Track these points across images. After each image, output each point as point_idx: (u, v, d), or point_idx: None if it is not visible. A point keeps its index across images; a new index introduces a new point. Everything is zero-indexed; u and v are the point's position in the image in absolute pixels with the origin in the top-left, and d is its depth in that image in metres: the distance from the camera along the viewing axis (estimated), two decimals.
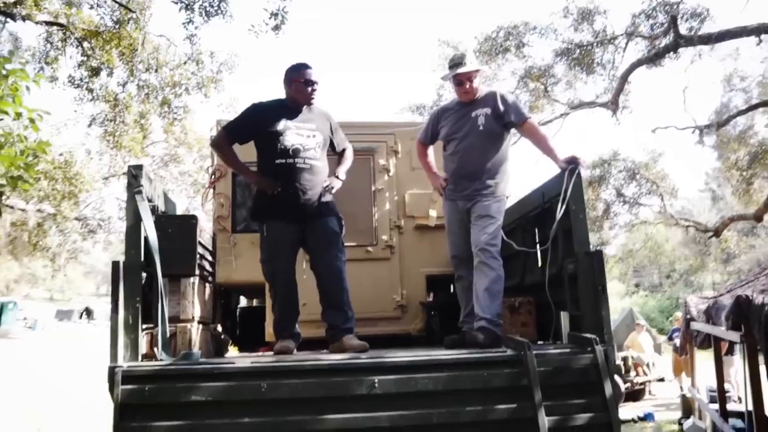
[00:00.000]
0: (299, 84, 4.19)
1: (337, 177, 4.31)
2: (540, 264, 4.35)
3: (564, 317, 3.84)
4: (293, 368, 3.22)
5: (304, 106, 4.24)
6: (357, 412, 3.13)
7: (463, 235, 4.14)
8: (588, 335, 3.39)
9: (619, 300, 38.62)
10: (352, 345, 3.93)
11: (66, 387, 13.95)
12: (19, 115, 4.10)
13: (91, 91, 9.89)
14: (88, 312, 42.70)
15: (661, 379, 17.31)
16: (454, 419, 3.18)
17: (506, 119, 4.11)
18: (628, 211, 16.18)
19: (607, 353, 3.36)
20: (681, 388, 11.97)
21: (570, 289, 3.80)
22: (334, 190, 4.25)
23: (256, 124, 4.16)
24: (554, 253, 3.97)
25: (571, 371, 3.33)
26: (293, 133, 4.13)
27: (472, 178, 4.11)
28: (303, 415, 3.11)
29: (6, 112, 4.04)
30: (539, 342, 4.26)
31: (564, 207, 3.72)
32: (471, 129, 4.13)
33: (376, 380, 3.16)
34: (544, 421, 3.11)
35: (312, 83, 4.19)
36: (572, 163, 3.79)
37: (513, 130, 4.29)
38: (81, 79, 9.77)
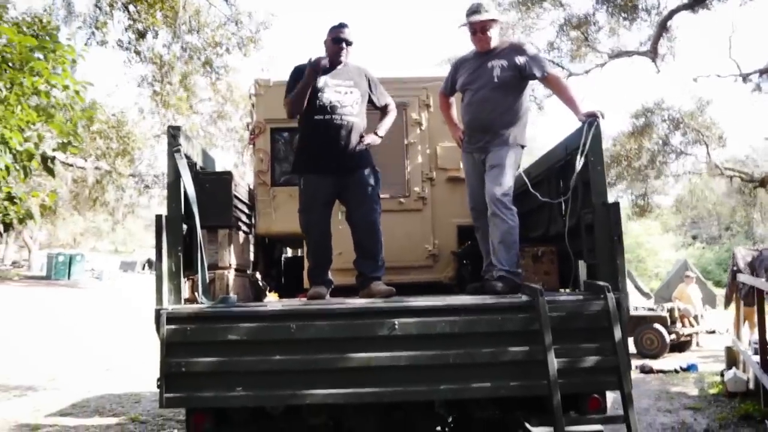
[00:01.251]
0: (329, 42, 4.37)
1: (376, 133, 4.48)
2: (563, 215, 4.46)
3: (581, 266, 3.96)
4: (320, 311, 3.48)
5: (344, 64, 4.40)
6: (378, 351, 3.38)
7: (479, 187, 4.26)
8: (601, 283, 3.52)
9: (674, 252, 37.88)
10: (380, 290, 4.17)
11: (130, 330, 14.83)
12: (66, 87, 4.41)
13: (138, 53, 10.26)
14: (150, 263, 44.59)
15: (712, 332, 17.15)
16: (470, 360, 3.39)
17: (527, 72, 4.17)
18: (675, 160, 15.75)
19: (620, 300, 3.50)
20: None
21: (587, 239, 3.92)
22: (369, 145, 4.41)
23: (298, 80, 4.32)
24: (574, 204, 4.07)
25: (582, 317, 3.48)
26: (331, 90, 4.30)
27: (485, 130, 4.21)
28: (329, 354, 3.38)
29: (54, 85, 4.35)
30: (561, 290, 4.40)
31: (583, 159, 3.81)
32: (486, 80, 4.20)
33: (397, 323, 3.40)
34: (554, 363, 3.29)
35: (340, 41, 4.33)
36: (591, 117, 3.85)
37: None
38: (129, 42, 10.14)
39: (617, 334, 3.38)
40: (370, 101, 4.54)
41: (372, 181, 4.41)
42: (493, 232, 4.06)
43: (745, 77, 12.99)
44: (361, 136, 4.39)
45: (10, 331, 16.63)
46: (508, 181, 4.12)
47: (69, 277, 35.47)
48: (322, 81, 4.30)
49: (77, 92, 4.49)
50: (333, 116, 4.28)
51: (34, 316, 19.98)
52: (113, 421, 8.37)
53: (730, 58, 18.78)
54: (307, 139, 4.36)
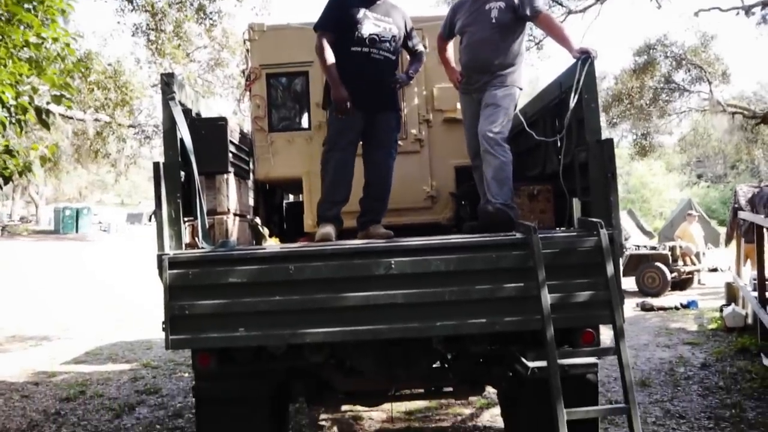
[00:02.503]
0: None
1: (408, 75, 4.49)
2: (558, 154, 4.47)
3: (576, 204, 4.00)
4: (317, 252, 3.55)
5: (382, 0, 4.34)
6: (375, 290, 3.46)
7: (476, 126, 4.29)
8: (594, 219, 3.56)
9: (678, 191, 37.87)
10: (378, 233, 4.24)
11: (140, 280, 15.07)
12: (56, 39, 4.38)
13: (131, 1, 10.07)
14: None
15: (714, 269, 17.33)
16: (465, 297, 3.47)
17: (521, 12, 4.14)
18: (678, 98, 15.52)
19: (613, 236, 3.55)
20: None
21: (581, 176, 3.95)
22: (401, 86, 4.44)
23: (339, 11, 4.29)
24: (569, 142, 4.08)
25: (576, 253, 3.53)
26: (371, 23, 4.26)
27: (483, 71, 4.22)
28: (327, 293, 3.46)
29: (44, 39, 4.31)
30: (557, 228, 4.46)
31: (577, 96, 3.80)
32: (484, 21, 4.19)
33: (393, 261, 3.46)
34: (547, 298, 3.37)
35: None
36: (585, 54, 3.83)
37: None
38: None
39: (610, 269, 3.44)
40: (404, 45, 4.51)
41: (395, 125, 4.45)
42: (487, 169, 4.10)
43: (747, 10, 12.67)
44: (395, 76, 4.38)
45: (22, 284, 16.94)
46: (501, 119, 4.14)
47: (77, 231, 35.89)
48: (361, 13, 4.24)
49: (68, 45, 4.46)
50: (371, 49, 4.25)
51: (45, 270, 20.31)
52: (126, 367, 8.64)
53: None
54: (343, 71, 4.23)
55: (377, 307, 3.46)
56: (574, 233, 3.69)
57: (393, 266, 3.46)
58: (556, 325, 3.40)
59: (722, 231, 27.73)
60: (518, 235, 3.60)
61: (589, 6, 13.67)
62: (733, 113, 15.01)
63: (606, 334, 4.05)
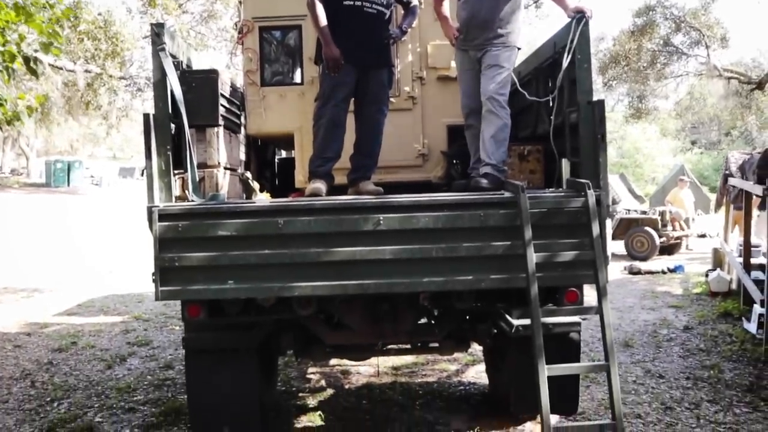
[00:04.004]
0: None
1: (401, 29, 4.46)
2: (549, 114, 4.47)
3: (565, 164, 4.02)
4: (306, 207, 3.57)
5: None
6: (363, 245, 3.49)
7: (474, 85, 4.27)
8: (582, 180, 3.59)
9: (672, 157, 37.91)
10: (368, 189, 4.26)
11: (131, 234, 15.09)
12: None
13: None
14: None
15: (703, 235, 17.50)
16: (452, 254, 3.51)
17: None
18: (676, 61, 15.41)
19: (600, 197, 3.57)
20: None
21: (571, 137, 3.96)
22: (394, 41, 4.39)
23: None
24: (560, 103, 4.08)
25: (563, 213, 3.56)
26: None
27: (483, 27, 4.18)
28: (315, 248, 3.49)
29: None
30: (546, 188, 4.48)
31: (570, 56, 3.79)
32: None
33: (381, 218, 3.49)
34: (533, 256, 3.41)
35: None
36: (579, 13, 3.80)
37: None
38: None
39: (595, 229, 3.47)
40: None
41: (387, 81, 4.42)
42: (486, 128, 4.10)
43: None
44: (388, 31, 4.33)
45: (14, 237, 16.92)
46: (504, 80, 4.14)
47: (68, 184, 35.68)
48: None
49: None
50: (364, 3, 4.21)
51: (36, 223, 20.27)
52: (118, 319, 8.73)
53: None
54: (335, 26, 4.20)
55: (365, 262, 3.50)
56: (562, 193, 3.72)
57: (381, 222, 3.48)
58: (540, 284, 3.46)
59: (713, 197, 27.90)
60: (506, 194, 3.63)
61: None
62: (729, 78, 14.94)
63: (590, 295, 4.13)
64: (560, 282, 3.74)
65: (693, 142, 43.50)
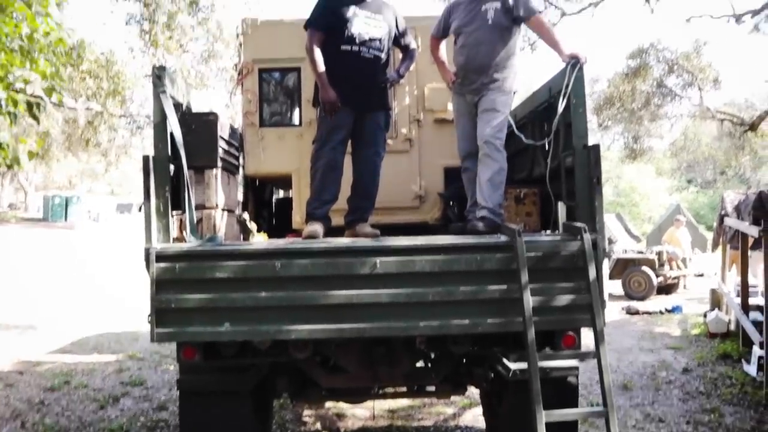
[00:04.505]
0: None
1: (398, 73, 4.50)
2: (545, 157, 4.51)
3: (561, 207, 4.05)
4: (304, 250, 3.59)
5: None
6: (360, 289, 3.50)
7: (471, 129, 4.33)
8: (578, 224, 3.61)
9: (668, 196, 38.06)
10: (365, 232, 4.25)
11: (127, 271, 15.01)
12: (47, 33, 4.36)
13: None
14: None
15: (700, 275, 17.46)
16: (449, 297, 3.52)
17: (515, 14, 4.18)
18: (670, 102, 15.62)
19: (596, 241, 3.60)
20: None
21: (567, 180, 3.99)
22: (391, 85, 4.45)
23: (329, 9, 4.25)
24: (556, 147, 4.13)
25: (559, 257, 3.58)
26: (361, 21, 4.23)
27: (479, 72, 4.25)
28: (312, 291, 3.51)
29: (36, 31, 4.29)
30: (542, 231, 4.50)
31: (565, 101, 3.85)
32: (480, 22, 4.22)
33: (378, 261, 3.50)
34: (529, 301, 3.42)
35: None
36: (574, 58, 3.88)
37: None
38: None
39: (592, 273, 3.49)
40: (395, 42, 4.51)
41: (384, 124, 4.45)
42: (483, 172, 4.14)
43: (738, 18, 12.77)
44: (385, 75, 4.39)
45: (9, 271, 16.83)
46: (501, 124, 4.19)
47: (66, 219, 35.66)
48: (351, 10, 4.22)
49: (61, 39, 4.44)
50: (361, 48, 4.23)
51: (32, 257, 20.19)
52: (112, 358, 8.62)
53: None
54: (333, 69, 4.23)
55: (362, 306, 3.50)
56: (558, 237, 3.74)
57: (378, 265, 3.50)
58: (537, 328, 3.46)
59: (710, 236, 27.88)
60: (503, 238, 3.65)
61: (584, 8, 13.73)
62: (722, 120, 15.14)
63: (588, 337, 4.10)
64: (557, 326, 3.74)
65: (689, 181, 43.75)
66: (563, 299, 3.53)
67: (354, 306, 3.50)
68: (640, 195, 37.35)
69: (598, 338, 3.51)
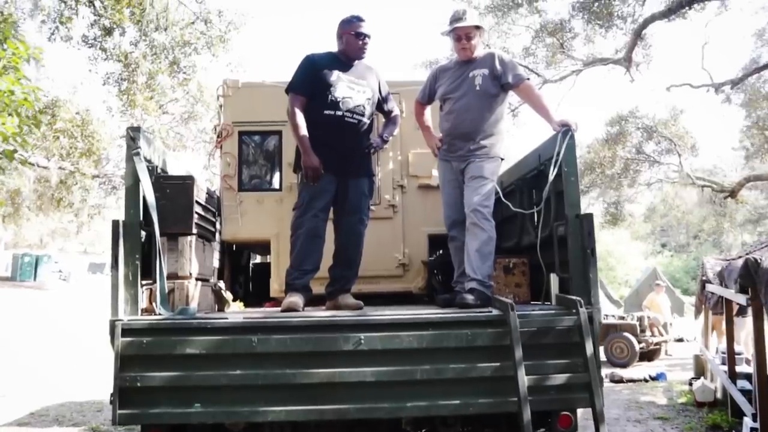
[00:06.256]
0: (350, 37, 4.19)
1: (382, 138, 4.38)
2: (535, 226, 4.38)
3: (553, 279, 3.89)
4: (282, 324, 3.35)
5: (356, 61, 4.25)
6: (343, 367, 3.26)
7: (457, 196, 4.19)
8: (573, 297, 3.44)
9: (643, 260, 38.39)
10: (348, 304, 4.04)
11: (94, 334, 14.46)
12: (11, 92, 4.19)
13: (104, 50, 9.97)
14: None
15: (680, 340, 17.34)
16: (438, 376, 3.29)
17: (503, 80, 4.11)
18: (648, 168, 15.92)
19: (592, 315, 3.42)
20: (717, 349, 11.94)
21: (559, 251, 3.84)
22: (375, 151, 4.33)
23: (312, 73, 4.15)
24: (547, 215, 4.00)
25: (554, 332, 3.40)
26: (344, 86, 4.14)
27: (466, 138, 4.14)
28: (292, 368, 3.26)
29: (1, 91, 4.13)
30: (532, 302, 4.32)
31: (556, 169, 3.74)
32: (468, 89, 4.14)
33: (362, 337, 3.28)
34: (524, 379, 3.20)
35: (363, 36, 4.19)
36: (565, 126, 3.79)
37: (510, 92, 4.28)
38: (94, 39, 9.83)
39: (589, 349, 3.31)
40: (378, 106, 4.41)
41: (368, 191, 4.30)
42: (471, 242, 3.96)
43: (717, 88, 13.13)
44: (369, 140, 4.27)
45: None
46: (488, 192, 4.04)
47: (35, 278, 34.73)
48: (334, 75, 4.12)
49: (26, 99, 4.27)
50: (345, 113, 4.12)
51: None
52: (73, 430, 8.10)
53: (702, 69, 18.98)
54: (314, 134, 4.08)
55: (344, 385, 3.26)
56: (553, 311, 3.56)
57: (362, 341, 3.28)
58: (532, 408, 3.23)
59: (686, 300, 27.92)
60: (495, 312, 3.45)
61: (566, 76, 14.03)
62: (703, 186, 15.40)
63: (585, 413, 3.87)
64: (553, 406, 3.51)
65: (663, 245, 44.32)
66: (559, 377, 3.32)
67: (336, 385, 3.26)
68: (616, 259, 37.63)
69: (598, 419, 3.28)
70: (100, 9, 9.10)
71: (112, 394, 3.26)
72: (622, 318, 14.93)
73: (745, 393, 7.41)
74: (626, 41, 12.70)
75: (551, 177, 3.76)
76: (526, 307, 3.75)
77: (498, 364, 3.30)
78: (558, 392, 3.35)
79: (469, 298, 3.77)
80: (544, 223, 4.00)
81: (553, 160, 3.74)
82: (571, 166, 3.73)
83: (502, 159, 4.22)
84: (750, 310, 7.39)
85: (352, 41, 4.19)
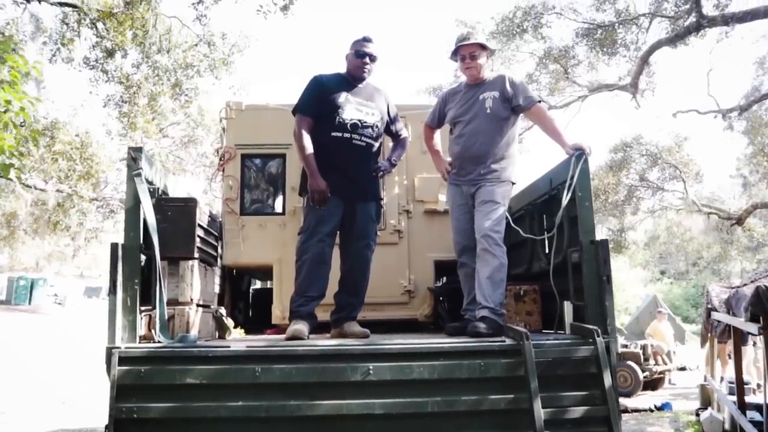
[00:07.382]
0: (351, 55, 4.13)
1: (390, 162, 4.27)
2: (546, 252, 4.26)
3: (567, 307, 3.75)
4: (287, 353, 3.22)
5: (364, 83, 4.17)
6: (351, 398, 3.12)
7: (467, 221, 4.07)
8: (590, 326, 3.31)
9: (642, 287, 38.19)
10: (354, 332, 3.90)
11: (90, 360, 14.21)
12: (8, 102, 4.09)
13: (106, 72, 9.93)
14: None
15: (683, 368, 17.12)
16: (449, 408, 3.15)
17: (514, 103, 4.02)
18: (652, 196, 15.85)
19: (609, 345, 3.29)
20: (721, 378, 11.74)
21: (574, 278, 3.72)
22: (383, 174, 4.22)
23: (319, 94, 4.06)
24: (560, 241, 3.88)
25: (570, 362, 3.26)
26: (353, 107, 4.05)
27: (477, 162, 4.03)
28: (296, 400, 3.11)
29: None
30: (544, 331, 4.19)
31: (570, 194, 3.63)
32: (478, 111, 4.05)
33: (371, 367, 3.14)
34: (540, 412, 3.05)
35: (364, 55, 4.10)
36: (579, 150, 3.69)
37: (521, 115, 4.20)
38: (96, 61, 9.80)
39: (607, 381, 3.17)
40: (386, 129, 4.32)
41: (375, 215, 4.19)
42: (482, 269, 3.82)
43: (725, 114, 13.12)
44: (377, 163, 4.17)
45: None
46: (499, 217, 3.91)
47: (30, 302, 34.43)
48: (342, 96, 4.03)
49: (23, 109, 4.16)
50: (353, 135, 4.02)
51: None
52: None
53: (708, 95, 19.05)
54: (322, 157, 3.97)
55: (352, 417, 3.12)
56: (568, 340, 3.42)
57: (371, 372, 3.14)
58: None
59: (687, 328, 27.67)
60: (508, 341, 3.32)
61: (571, 102, 14.02)
62: (709, 213, 15.33)
63: None
64: None
65: (662, 272, 44.10)
66: (577, 410, 3.17)
67: (343, 418, 3.11)
68: (616, 286, 37.41)
69: None
70: (103, 31, 9.08)
71: (106, 426, 3.10)
72: (625, 346, 14.73)
73: (756, 424, 7.22)
74: (630, 68, 12.73)
75: (564, 202, 3.66)
76: (540, 336, 3.61)
77: (512, 395, 3.16)
78: (575, 426, 3.20)
79: (481, 326, 3.63)
80: (557, 249, 3.88)
81: (567, 184, 3.64)
82: (585, 190, 3.63)
83: (513, 183, 4.11)
84: (759, 339, 7.25)
85: (353, 60, 4.12)
